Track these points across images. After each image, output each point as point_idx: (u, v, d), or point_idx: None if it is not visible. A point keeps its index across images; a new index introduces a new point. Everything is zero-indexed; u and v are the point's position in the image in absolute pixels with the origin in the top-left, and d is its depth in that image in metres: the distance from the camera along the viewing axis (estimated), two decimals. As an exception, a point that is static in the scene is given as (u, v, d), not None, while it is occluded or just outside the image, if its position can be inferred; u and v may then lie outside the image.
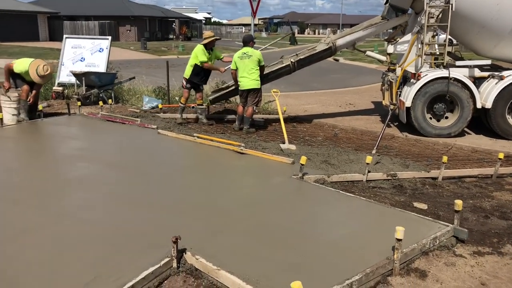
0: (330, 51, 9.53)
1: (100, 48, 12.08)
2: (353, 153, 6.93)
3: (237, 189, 5.45)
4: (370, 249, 3.75)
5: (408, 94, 8.50)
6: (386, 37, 12.21)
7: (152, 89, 11.88)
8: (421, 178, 5.96)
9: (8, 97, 8.42)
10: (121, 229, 4.09)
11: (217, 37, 8.94)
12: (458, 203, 4.03)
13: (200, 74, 8.65)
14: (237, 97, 9.46)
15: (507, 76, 8.25)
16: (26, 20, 40.13)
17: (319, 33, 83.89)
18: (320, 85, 16.59)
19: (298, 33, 78.55)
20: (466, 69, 8.57)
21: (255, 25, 13.05)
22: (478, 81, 8.56)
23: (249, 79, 8.17)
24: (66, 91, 11.59)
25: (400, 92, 8.96)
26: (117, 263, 3.44)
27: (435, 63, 8.71)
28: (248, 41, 8.41)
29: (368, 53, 10.44)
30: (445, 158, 5.97)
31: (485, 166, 6.51)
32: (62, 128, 8.34)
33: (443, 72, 8.37)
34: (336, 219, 4.52)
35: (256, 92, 8.26)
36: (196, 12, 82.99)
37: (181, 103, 8.86)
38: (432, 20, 8.49)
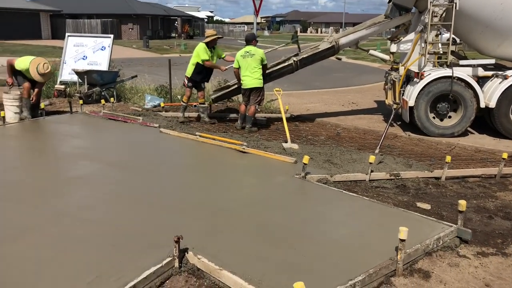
0: (333, 50, 9.49)
1: (102, 47, 12.07)
2: (356, 153, 6.90)
3: (239, 188, 5.43)
4: (373, 250, 3.73)
5: (411, 93, 8.46)
6: (389, 36, 12.16)
7: (154, 87, 11.86)
8: (424, 178, 5.93)
9: (8, 93, 8.43)
10: (123, 229, 4.07)
11: (219, 36, 8.91)
12: (462, 204, 4.00)
13: (202, 72, 8.62)
14: (239, 96, 9.44)
15: (511, 76, 8.20)
16: (29, 18, 40.19)
17: (321, 32, 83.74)
18: (323, 84, 16.55)
19: (301, 32, 78.46)
20: (470, 68, 8.52)
21: (258, 23, 13.02)
22: (481, 81, 8.51)
23: (251, 78, 8.14)
24: (68, 89, 11.58)
25: (403, 91, 8.92)
26: (119, 263, 3.43)
27: (438, 62, 8.67)
28: (250, 40, 8.38)
29: (371, 52, 10.39)
30: (448, 158, 5.94)
31: (489, 166, 6.48)
32: (64, 127, 8.33)
33: (446, 71, 8.32)
34: (339, 219, 4.50)
35: (259, 91, 8.24)
36: (199, 11, 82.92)
37: (183, 101, 8.83)
38: (435, 19, 8.44)
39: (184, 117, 8.84)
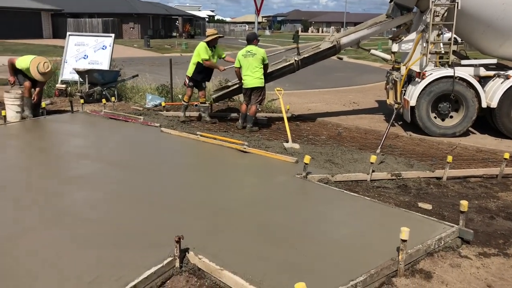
0: (335, 50, 9.48)
1: (103, 46, 12.06)
2: (357, 152, 6.89)
3: (240, 188, 5.42)
4: (374, 250, 3.72)
5: (412, 93, 8.45)
6: (390, 36, 12.14)
7: (155, 87, 11.85)
8: (426, 178, 5.92)
9: (10, 92, 8.44)
10: (124, 228, 4.07)
11: (220, 35, 8.90)
12: (464, 204, 3.99)
13: (203, 72, 8.61)
14: (240, 95, 9.43)
15: (512, 75, 8.18)
16: (30, 17, 40.20)
17: (322, 31, 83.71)
18: (324, 83, 16.54)
19: (302, 31, 78.47)
20: (472, 68, 8.50)
21: (259, 23, 12.99)
22: (483, 80, 8.50)
23: (252, 78, 8.13)
24: (69, 88, 11.57)
25: (405, 91, 8.90)
26: (120, 263, 3.42)
27: (440, 62, 8.65)
28: (252, 39, 8.36)
29: (373, 51, 10.38)
30: (450, 158, 5.92)
31: (490, 166, 6.46)
32: (65, 126, 8.33)
33: (448, 71, 8.31)
34: (340, 219, 4.49)
35: (260, 90, 8.22)
36: (200, 10, 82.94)
37: (184, 101, 8.82)
38: (437, 19, 8.42)
39: (185, 116, 8.83)
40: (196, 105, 9.20)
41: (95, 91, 10.80)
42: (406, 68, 8.87)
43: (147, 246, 3.69)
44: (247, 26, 74.55)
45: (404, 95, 8.86)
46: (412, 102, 8.40)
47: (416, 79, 8.60)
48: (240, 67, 8.26)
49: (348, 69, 21.67)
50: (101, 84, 10.83)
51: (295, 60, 9.15)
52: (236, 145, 6.70)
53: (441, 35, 8.62)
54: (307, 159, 5.46)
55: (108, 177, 5.53)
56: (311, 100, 12.62)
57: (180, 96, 11.03)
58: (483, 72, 8.51)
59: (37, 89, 8.69)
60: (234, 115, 9.39)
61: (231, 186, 5.43)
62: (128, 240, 3.82)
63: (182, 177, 5.75)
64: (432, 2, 8.25)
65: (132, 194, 4.95)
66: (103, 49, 12.03)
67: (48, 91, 11.37)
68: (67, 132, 7.89)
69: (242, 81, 8.32)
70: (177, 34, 52.63)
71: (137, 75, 12.10)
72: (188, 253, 3.53)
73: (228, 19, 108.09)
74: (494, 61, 8.93)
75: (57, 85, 11.63)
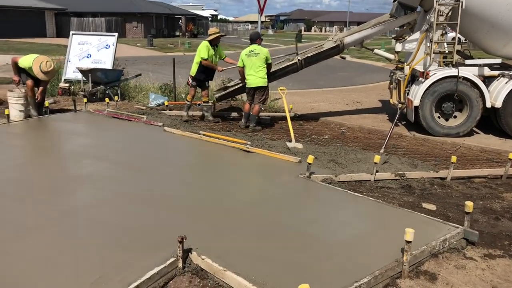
0: (338, 49, 9.45)
1: (107, 45, 12.06)
2: (360, 152, 6.86)
3: (243, 188, 5.41)
4: (378, 251, 3.69)
5: (416, 93, 8.41)
6: (393, 35, 12.10)
7: (158, 86, 11.84)
8: (430, 178, 5.88)
9: (13, 91, 8.44)
10: (126, 228, 4.05)
11: (222, 34, 8.90)
12: (469, 205, 3.96)
13: (206, 71, 8.59)
14: (243, 95, 9.40)
15: (517, 75, 8.14)
16: (34, 16, 40.27)
17: (325, 31, 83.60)
18: (327, 83, 16.51)
19: (305, 31, 78.39)
20: (476, 68, 8.46)
21: (262, 22, 12.98)
22: (487, 80, 8.45)
23: (256, 77, 8.10)
24: (72, 87, 11.57)
25: (408, 90, 8.87)
26: (122, 263, 3.41)
27: (444, 62, 8.61)
28: (255, 39, 8.34)
29: (376, 51, 10.34)
30: (454, 158, 5.88)
31: (495, 166, 6.42)
32: (68, 125, 8.33)
33: (452, 71, 8.27)
34: (344, 220, 4.46)
35: (263, 90, 8.20)
36: (203, 9, 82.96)
37: (187, 100, 8.81)
38: (441, 18, 8.38)
39: (188, 115, 8.82)
40: (199, 104, 9.18)
41: (98, 90, 10.80)
42: (410, 67, 8.84)
43: (150, 246, 3.68)
44: (250, 25, 74.41)
45: (407, 94, 8.83)
46: (416, 102, 8.36)
47: (420, 78, 8.56)
48: (243, 67, 8.24)
49: (351, 69, 21.62)
50: (104, 83, 10.82)
51: (298, 60, 9.13)
52: (239, 145, 6.68)
53: (445, 35, 8.57)
54: (310, 159, 5.44)
55: (111, 177, 5.52)
56: (314, 100, 12.59)
57: (183, 95, 11.03)
58: (487, 72, 8.47)
59: (40, 88, 8.68)
60: (237, 114, 9.37)
61: (234, 186, 5.41)
62: (131, 240, 3.81)
63: (184, 176, 5.74)
64: (436, 1, 8.21)
65: (134, 194, 4.94)
66: (106, 48, 12.03)
67: (51, 90, 11.37)
68: (70, 131, 7.89)
69: (246, 81, 8.30)
70: (180, 33, 52.65)
71: (140, 74, 12.10)
72: (191, 253, 3.52)
73: (231, 19, 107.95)
74: (499, 60, 8.89)
75: (60, 84, 11.63)
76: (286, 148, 6.91)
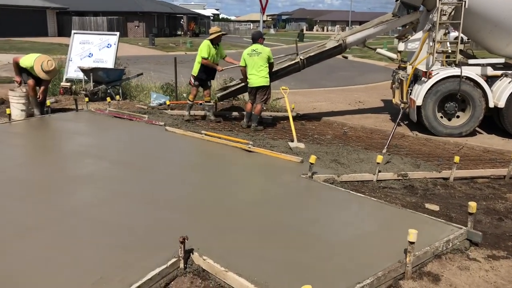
0: (340, 48, 9.42)
1: (108, 44, 12.04)
2: (363, 152, 6.83)
3: (245, 188, 5.38)
4: (381, 252, 3.67)
5: (419, 93, 8.38)
6: (396, 35, 12.06)
7: (160, 85, 11.83)
8: (432, 178, 5.85)
9: (14, 90, 8.43)
10: (127, 228, 4.03)
11: (224, 32, 8.88)
12: (472, 205, 3.93)
13: (207, 70, 8.57)
14: (245, 94, 9.38)
15: (520, 75, 8.10)
16: (35, 15, 40.28)
17: (327, 30, 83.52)
18: (329, 82, 16.47)
19: (307, 30, 78.34)
20: (479, 68, 8.42)
21: (263, 21, 12.96)
22: (490, 80, 8.41)
23: (258, 76, 8.08)
24: (74, 86, 11.55)
25: (411, 90, 8.83)
26: (123, 263, 3.39)
27: (446, 61, 8.57)
28: (257, 38, 8.32)
29: (379, 50, 10.31)
30: (457, 158, 5.85)
31: (498, 166, 6.40)
32: (69, 124, 8.32)
33: (455, 71, 8.23)
34: (346, 220, 4.44)
35: (265, 89, 8.18)
36: (204, 8, 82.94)
37: (189, 100, 8.79)
38: (444, 18, 8.35)
39: (189, 115, 8.79)
40: (201, 103, 9.16)
41: (99, 89, 10.78)
42: (413, 67, 8.80)
43: (151, 246, 3.66)
44: (251, 24, 74.45)
45: (410, 94, 8.79)
46: (418, 102, 8.33)
47: (423, 78, 8.53)
48: (245, 66, 8.22)
49: (353, 68, 21.58)
50: (106, 83, 10.81)
51: (300, 59, 9.10)
52: (241, 144, 6.66)
53: (447, 34, 8.53)
54: (312, 159, 5.41)
55: (112, 176, 5.50)
56: (316, 99, 12.55)
57: (184, 94, 11.00)
58: (490, 71, 8.43)
59: (42, 87, 8.67)
60: (238, 114, 9.35)
61: (236, 186, 5.39)
62: (132, 240, 3.79)
63: (186, 176, 5.71)
64: (439, 0, 8.18)
65: (135, 193, 4.92)
66: (108, 47, 12.00)
67: (53, 89, 11.35)
68: (71, 131, 7.88)
69: (248, 80, 8.28)
70: (182, 33, 52.62)
71: (141, 74, 12.08)
72: (193, 254, 3.49)
73: (232, 18, 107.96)
74: (502, 60, 8.84)
75: (61, 83, 11.61)
76: (288, 148, 6.88)
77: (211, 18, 75.46)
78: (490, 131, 8.80)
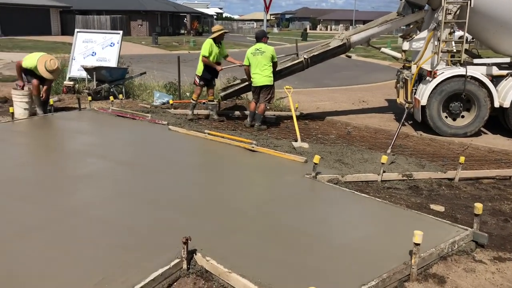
0: (345, 48, 9.37)
1: (111, 43, 12.02)
2: (367, 152, 6.79)
3: (248, 188, 5.35)
4: (386, 253, 3.63)
5: (423, 92, 8.32)
6: (401, 34, 12.00)
7: (163, 84, 11.81)
8: (437, 178, 5.81)
9: (17, 89, 8.43)
10: (130, 228, 4.01)
11: (226, 30, 8.85)
12: (478, 207, 3.89)
13: (211, 69, 8.54)
14: (249, 93, 9.35)
15: (526, 75, 8.03)
16: (39, 14, 40.35)
17: (331, 29, 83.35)
18: (333, 81, 16.41)
19: (310, 29, 78.25)
20: (484, 67, 8.35)
21: (267, 20, 12.91)
22: (496, 80, 8.34)
23: (261, 76, 8.04)
24: (77, 85, 11.55)
25: (416, 90, 8.78)
26: (126, 264, 3.36)
27: (451, 61, 8.52)
28: (261, 37, 8.27)
29: (383, 49, 10.26)
30: (462, 159, 5.80)
31: (503, 167, 6.35)
32: (72, 123, 8.31)
33: (460, 70, 8.17)
34: (351, 221, 4.40)
35: (269, 88, 8.14)
36: (208, 7, 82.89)
37: (192, 99, 8.76)
38: (449, 17, 8.29)
39: (193, 114, 8.76)
40: (204, 103, 9.13)
41: (102, 88, 10.77)
42: (417, 66, 8.75)
43: (154, 247, 3.63)
44: (255, 23, 74.37)
45: (414, 94, 8.74)
46: (423, 101, 8.28)
47: (427, 78, 8.47)
48: (249, 65, 8.18)
49: (357, 67, 21.50)
50: (109, 82, 10.79)
51: (304, 58, 9.06)
52: (244, 144, 6.63)
53: (452, 33, 8.47)
54: (316, 159, 5.38)
55: (115, 176, 5.48)
56: (319, 99, 12.51)
57: (188, 93, 10.98)
58: (495, 71, 8.36)
59: (45, 86, 8.67)
60: (241, 113, 9.31)
61: (239, 186, 5.36)
62: (135, 240, 3.77)
63: (189, 176, 5.69)
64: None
65: (138, 193, 4.89)
66: (111, 46, 11.99)
67: (56, 88, 11.34)
68: (74, 130, 7.87)
69: (251, 79, 8.24)
70: (185, 32, 52.62)
71: (144, 73, 12.06)
72: (196, 254, 3.47)
73: (236, 17, 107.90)
74: (507, 59, 8.76)
75: (65, 82, 11.60)
76: (292, 148, 6.85)
77: (215, 17, 75.47)
78: (495, 131, 8.73)
